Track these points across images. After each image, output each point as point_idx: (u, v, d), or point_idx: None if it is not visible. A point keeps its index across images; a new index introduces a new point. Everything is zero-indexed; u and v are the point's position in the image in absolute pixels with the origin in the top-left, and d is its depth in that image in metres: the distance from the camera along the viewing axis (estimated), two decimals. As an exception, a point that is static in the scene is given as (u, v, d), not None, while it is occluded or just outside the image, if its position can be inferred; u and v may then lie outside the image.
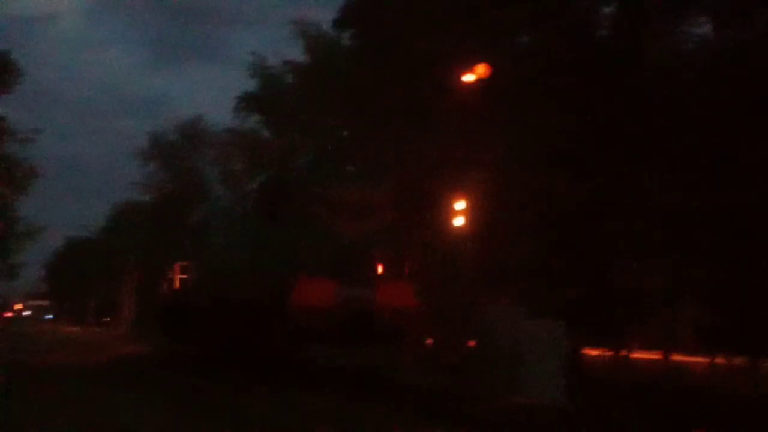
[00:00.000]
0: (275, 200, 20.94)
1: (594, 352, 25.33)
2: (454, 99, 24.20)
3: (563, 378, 18.13)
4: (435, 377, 21.46)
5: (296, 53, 40.83)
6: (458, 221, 22.99)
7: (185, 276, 28.59)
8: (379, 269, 21.08)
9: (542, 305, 21.37)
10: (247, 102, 44.25)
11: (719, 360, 22.81)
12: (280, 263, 20.05)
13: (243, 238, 22.52)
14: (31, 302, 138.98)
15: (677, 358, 26.98)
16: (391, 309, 19.76)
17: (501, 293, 25.52)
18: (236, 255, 22.63)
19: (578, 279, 22.26)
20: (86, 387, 20.38)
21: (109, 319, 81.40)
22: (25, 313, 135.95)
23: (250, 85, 44.03)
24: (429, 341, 30.91)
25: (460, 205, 23.09)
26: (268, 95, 42.97)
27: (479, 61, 22.46)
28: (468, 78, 22.29)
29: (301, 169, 24.58)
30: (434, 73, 24.72)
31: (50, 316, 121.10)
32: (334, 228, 20.09)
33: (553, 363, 18.22)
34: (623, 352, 25.99)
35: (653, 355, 27.85)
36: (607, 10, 24.85)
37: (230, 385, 19.96)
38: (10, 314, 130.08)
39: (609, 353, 25.20)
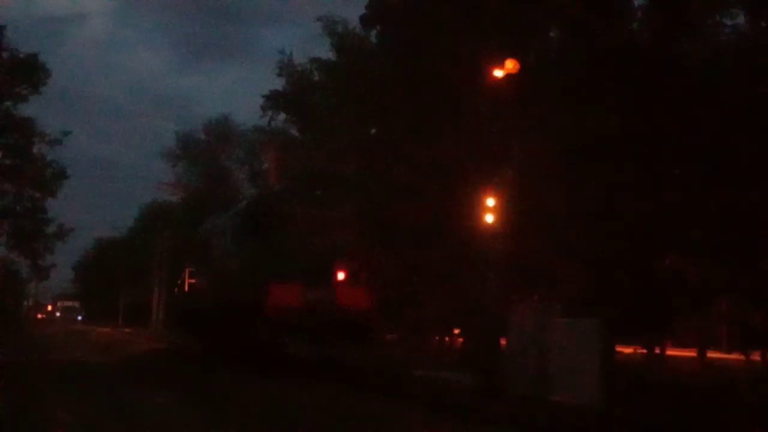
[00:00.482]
0: (258, 218, 25.04)
1: (628, 350, 25.05)
2: (484, 96, 23.99)
3: (597, 377, 17.86)
4: (464, 374, 21.33)
5: (324, 51, 40.86)
6: (489, 218, 22.77)
7: (193, 280, 32.60)
8: (341, 276, 24.45)
9: (575, 303, 21.12)
10: (275, 100, 44.25)
11: (755, 357, 22.48)
12: (261, 271, 23.78)
13: (235, 248, 26.92)
14: (61, 303, 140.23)
15: (713, 355, 26.68)
16: (348, 309, 23.35)
17: (532, 291, 25.31)
18: (230, 263, 27.10)
19: (611, 276, 21.97)
20: (102, 381, 22.82)
21: (138, 319, 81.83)
22: (56, 314, 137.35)
23: (278, 83, 44.09)
24: (389, 337, 34.95)
25: (490, 201, 22.88)
26: (296, 93, 42.97)
27: (508, 56, 22.23)
28: (497, 73, 22.06)
29: (283, 191, 27.01)
30: (463, 69, 24.52)
31: (80, 317, 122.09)
32: (304, 242, 23.92)
33: (586, 361, 17.95)
34: (657, 350, 25.70)
35: (688, 353, 27.55)
36: (638, 2, 24.55)
37: (223, 374, 24.08)
38: (41, 315, 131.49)
39: (643, 351, 24.90)
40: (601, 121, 20.99)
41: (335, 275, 24.28)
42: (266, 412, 16.24)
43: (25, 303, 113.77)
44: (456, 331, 35.75)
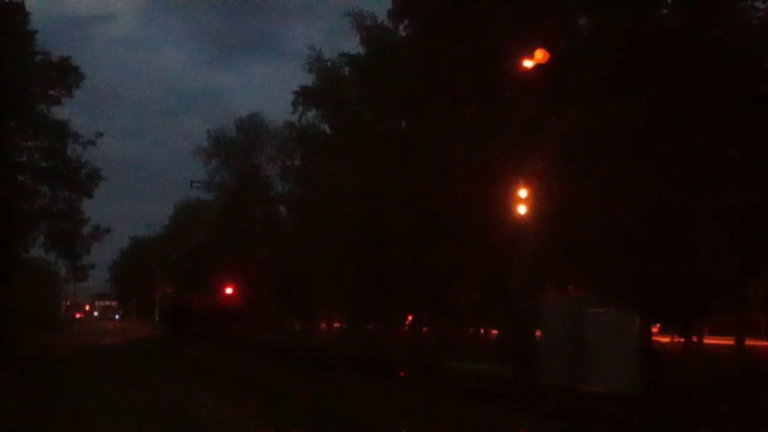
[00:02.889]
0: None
1: (664, 339, 24.94)
2: (515, 86, 23.91)
3: (633, 366, 17.79)
4: (500, 365, 21.35)
5: (352, 45, 40.89)
6: (521, 209, 22.71)
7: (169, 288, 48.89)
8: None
9: (609, 293, 21.03)
10: (305, 96, 44.40)
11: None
12: None
13: None
14: (99, 303, 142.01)
15: (751, 343, 26.41)
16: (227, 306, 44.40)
17: (566, 282, 25.23)
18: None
19: (646, 265, 21.82)
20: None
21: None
22: (94, 314, 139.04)
23: (308, 79, 44.23)
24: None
25: (522, 192, 22.81)
26: (325, 88, 43.06)
27: (540, 46, 22.13)
28: (527, 63, 21.99)
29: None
30: (494, 60, 24.44)
31: (117, 316, 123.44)
32: None
33: (622, 351, 17.89)
34: (695, 338, 25.52)
35: (726, 341, 27.30)
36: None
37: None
38: (79, 315, 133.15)
39: (680, 340, 24.76)
40: (635, 108, 20.82)
41: (225, 289, 51.41)
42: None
43: (64, 303, 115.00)
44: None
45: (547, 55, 21.72)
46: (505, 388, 18.37)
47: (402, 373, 22.23)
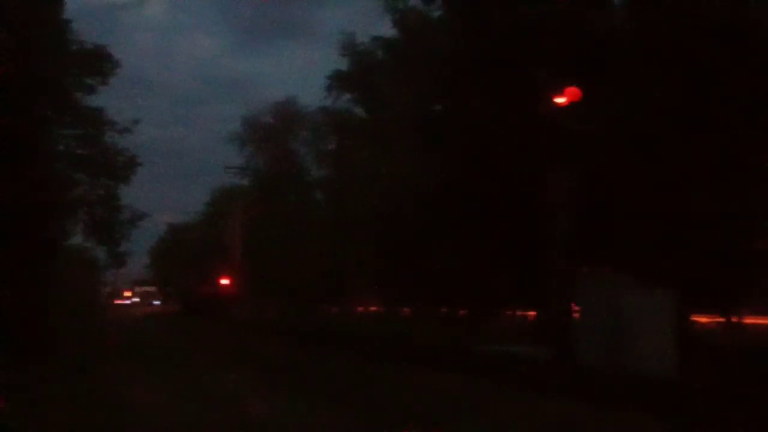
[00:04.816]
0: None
1: (704, 319, 24.65)
2: (551, 65, 23.70)
3: (673, 348, 17.62)
4: (539, 348, 21.26)
5: (385, 28, 40.80)
6: (556, 188, 22.58)
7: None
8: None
9: (647, 273, 20.79)
10: (338, 80, 44.43)
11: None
12: None
13: None
14: (138, 289, 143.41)
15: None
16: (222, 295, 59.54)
17: (603, 262, 25.00)
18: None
19: (685, 244, 21.57)
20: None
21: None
22: (134, 300, 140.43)
23: (341, 63, 44.21)
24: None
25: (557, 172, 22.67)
26: (359, 73, 43.01)
27: (575, 28, 21.97)
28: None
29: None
30: (531, 41, 24.24)
31: (157, 302, 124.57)
32: None
33: (661, 332, 17.72)
34: (735, 318, 25.21)
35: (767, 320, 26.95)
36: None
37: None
38: (119, 301, 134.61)
39: (720, 320, 24.46)
40: (669, 89, 20.59)
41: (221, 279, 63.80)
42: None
43: (104, 290, 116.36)
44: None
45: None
46: (541, 370, 18.27)
47: (435, 358, 22.19)
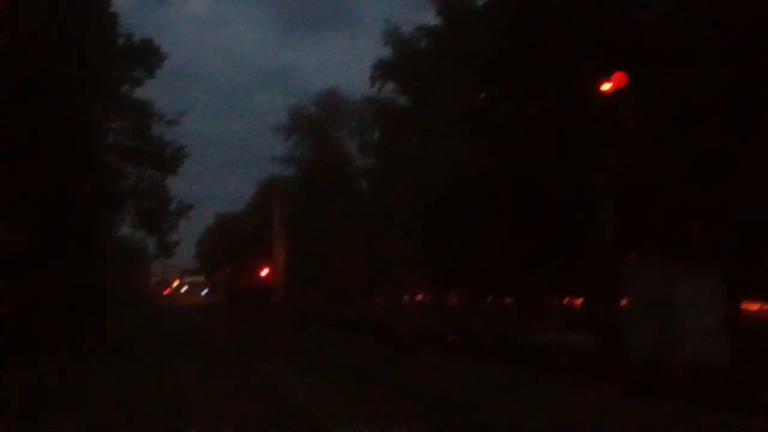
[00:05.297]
0: None
1: (754, 307, 24.37)
2: (601, 55, 23.54)
3: (723, 336, 17.44)
4: (586, 337, 21.16)
5: (429, 18, 40.77)
6: (601, 176, 22.47)
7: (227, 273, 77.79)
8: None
9: (697, 260, 20.59)
10: (382, 70, 44.47)
11: None
12: None
13: None
14: (186, 279, 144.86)
15: None
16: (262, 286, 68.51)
17: (651, 249, 24.82)
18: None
19: (734, 231, 21.33)
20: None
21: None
22: (182, 290, 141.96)
23: (385, 52, 44.24)
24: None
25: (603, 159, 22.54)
26: (403, 62, 43.02)
27: (621, 14, 21.82)
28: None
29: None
30: (578, 29, 24.06)
31: (205, 291, 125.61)
32: None
33: (711, 321, 17.55)
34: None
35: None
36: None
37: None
38: (167, 291, 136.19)
39: (770, 307, 24.19)
40: (720, 74, 20.34)
41: (261, 270, 71.88)
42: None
43: (152, 279, 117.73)
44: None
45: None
46: (588, 361, 18.20)
47: (483, 348, 22.21)
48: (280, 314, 48.63)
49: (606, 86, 21.74)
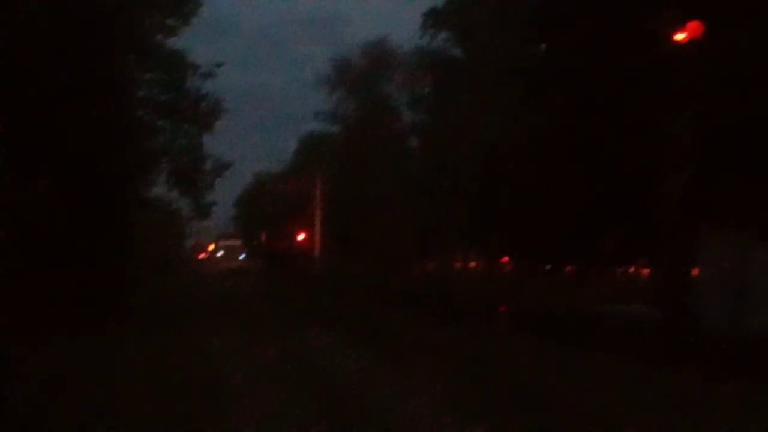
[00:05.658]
0: None
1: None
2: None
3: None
4: (653, 309, 21.11)
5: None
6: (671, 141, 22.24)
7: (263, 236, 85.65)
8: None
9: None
10: (434, 18, 44.12)
11: None
12: None
13: None
14: (223, 242, 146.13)
15: None
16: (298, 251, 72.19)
17: (722, 217, 24.57)
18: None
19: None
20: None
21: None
22: (218, 254, 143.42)
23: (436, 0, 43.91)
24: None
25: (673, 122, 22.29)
26: (455, 10, 42.67)
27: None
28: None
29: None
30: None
31: (242, 256, 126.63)
32: None
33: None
34: None
35: None
36: None
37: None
38: (203, 255, 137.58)
39: None
40: None
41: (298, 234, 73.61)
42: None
43: (187, 243, 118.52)
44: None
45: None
46: (656, 336, 18.16)
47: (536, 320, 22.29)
48: (321, 281, 48.95)
49: (680, 36, 21.39)
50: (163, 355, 16.11)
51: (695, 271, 22.17)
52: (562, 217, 30.81)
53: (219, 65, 46.04)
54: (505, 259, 45.89)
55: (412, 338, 20.34)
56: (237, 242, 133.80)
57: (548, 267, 40.78)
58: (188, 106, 45.35)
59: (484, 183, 37.35)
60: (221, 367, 15.54)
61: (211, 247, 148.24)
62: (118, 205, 33.16)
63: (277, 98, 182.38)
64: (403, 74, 57.48)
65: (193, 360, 15.91)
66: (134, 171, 38.44)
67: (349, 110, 61.65)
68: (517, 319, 22.93)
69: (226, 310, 27.74)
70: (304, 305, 31.74)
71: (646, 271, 34.35)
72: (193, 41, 49.70)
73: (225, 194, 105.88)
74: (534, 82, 30.92)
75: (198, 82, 45.10)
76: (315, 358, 16.76)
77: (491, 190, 36.58)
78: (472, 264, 52.85)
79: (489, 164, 36.31)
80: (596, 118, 26.09)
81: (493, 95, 35.92)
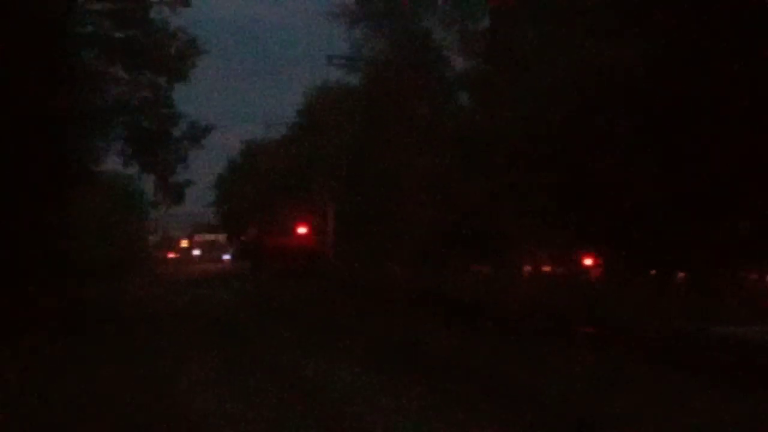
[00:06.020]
0: None
1: None
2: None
3: None
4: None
5: None
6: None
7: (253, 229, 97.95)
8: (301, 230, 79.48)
9: None
10: None
11: None
12: None
13: None
14: (199, 237, 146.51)
15: None
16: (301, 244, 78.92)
17: None
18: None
19: None
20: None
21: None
22: (194, 253, 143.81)
23: None
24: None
25: None
26: None
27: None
28: None
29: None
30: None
31: (227, 256, 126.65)
32: None
33: None
34: None
35: None
36: None
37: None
38: (173, 255, 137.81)
39: None
40: None
41: (298, 228, 78.91)
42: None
43: (152, 237, 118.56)
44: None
45: None
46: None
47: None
48: (343, 289, 48.59)
49: None
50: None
51: None
52: (667, 200, 30.71)
53: (194, -10, 45.84)
54: (591, 260, 45.69)
55: (496, 379, 20.05)
56: (220, 237, 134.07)
57: (653, 271, 40.48)
58: (152, 46, 45.03)
59: (559, 149, 37.02)
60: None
61: (185, 243, 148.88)
62: (50, 182, 32.87)
63: (276, 37, 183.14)
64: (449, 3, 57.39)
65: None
66: (75, 136, 38.20)
67: (375, 52, 61.52)
68: (603, 342, 22.80)
69: (205, 337, 27.28)
70: (323, 322, 31.51)
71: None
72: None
73: (204, 171, 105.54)
74: (630, 12, 30.97)
75: (167, 12, 44.92)
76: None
77: (570, 160, 36.20)
78: (546, 268, 52.65)
79: (566, 122, 36.03)
80: (716, 60, 26.16)
81: (575, 28, 35.85)
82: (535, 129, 39.29)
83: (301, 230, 74.68)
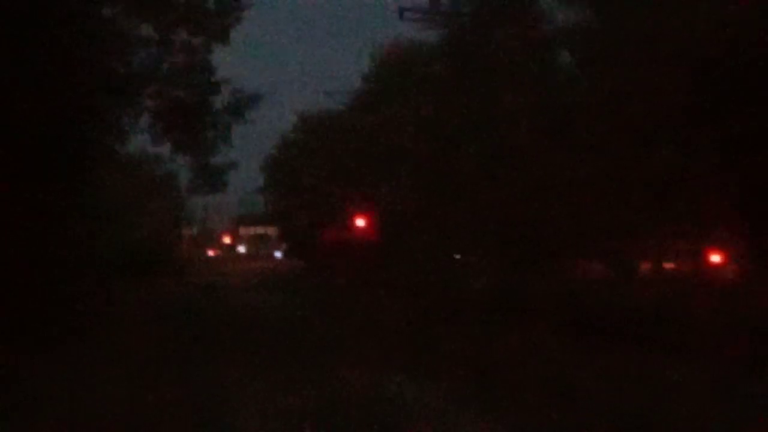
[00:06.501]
0: None
1: None
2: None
3: None
4: None
5: None
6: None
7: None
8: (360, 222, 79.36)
9: None
10: None
11: None
12: None
13: None
14: (245, 230, 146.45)
15: None
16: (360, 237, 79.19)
17: None
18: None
19: None
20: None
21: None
22: (238, 249, 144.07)
23: None
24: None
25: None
26: None
27: None
28: None
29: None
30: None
31: (279, 253, 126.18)
32: None
33: None
34: None
35: None
36: None
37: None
38: (213, 252, 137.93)
39: None
40: None
41: (355, 220, 78.69)
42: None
43: (188, 231, 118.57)
44: None
45: None
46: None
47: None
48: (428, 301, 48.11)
49: None
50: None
51: None
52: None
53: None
54: (718, 256, 45.32)
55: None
56: (270, 230, 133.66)
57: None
58: (185, 4, 44.77)
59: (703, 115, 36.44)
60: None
61: (227, 239, 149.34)
62: (69, 163, 32.79)
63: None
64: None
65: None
66: (98, 108, 38.02)
67: (459, 4, 61.35)
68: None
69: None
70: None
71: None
72: None
73: (251, 152, 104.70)
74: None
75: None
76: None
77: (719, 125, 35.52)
78: (670, 265, 52.20)
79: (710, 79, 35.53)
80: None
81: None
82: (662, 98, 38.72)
83: (359, 222, 74.71)
